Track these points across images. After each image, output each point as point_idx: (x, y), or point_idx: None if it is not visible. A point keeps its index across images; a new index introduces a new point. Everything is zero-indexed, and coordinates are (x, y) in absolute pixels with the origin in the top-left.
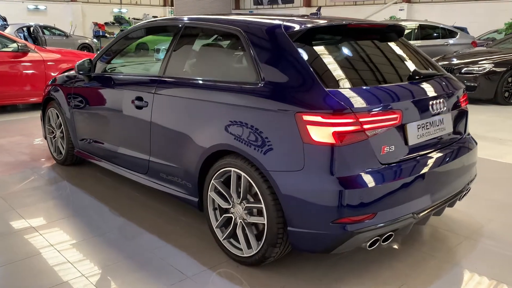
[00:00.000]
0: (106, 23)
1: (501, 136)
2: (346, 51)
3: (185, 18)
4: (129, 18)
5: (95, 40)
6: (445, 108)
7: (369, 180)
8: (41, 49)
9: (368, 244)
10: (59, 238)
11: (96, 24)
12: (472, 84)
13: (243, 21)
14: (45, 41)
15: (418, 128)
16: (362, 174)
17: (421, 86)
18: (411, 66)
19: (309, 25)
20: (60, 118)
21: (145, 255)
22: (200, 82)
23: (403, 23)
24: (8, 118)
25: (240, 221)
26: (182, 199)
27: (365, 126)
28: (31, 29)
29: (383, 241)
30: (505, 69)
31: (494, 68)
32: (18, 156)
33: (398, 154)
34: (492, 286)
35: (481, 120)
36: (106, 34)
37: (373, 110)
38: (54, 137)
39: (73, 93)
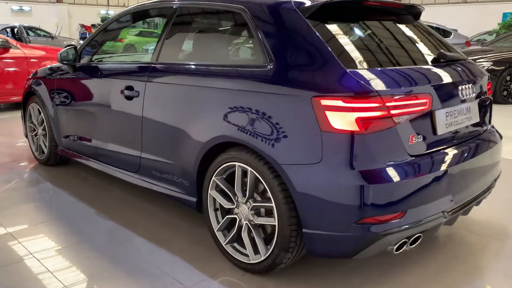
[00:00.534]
0: (93, 25)
1: (504, 134)
2: (363, 30)
3: None
4: None
5: (81, 42)
6: (472, 95)
7: (397, 173)
8: (24, 46)
9: (396, 247)
10: (39, 244)
11: (82, 25)
12: None
13: None
14: (29, 42)
15: (447, 116)
16: (389, 167)
17: (448, 70)
18: (433, 48)
19: (322, 0)
20: (42, 114)
21: (137, 262)
22: (199, 67)
23: None
24: None
25: (246, 223)
26: (178, 199)
27: (393, 112)
28: (15, 30)
29: (411, 244)
30: (503, 67)
31: (492, 67)
32: None
33: (427, 145)
34: None
35: None
36: None
37: (401, 93)
38: (36, 135)
39: (57, 85)
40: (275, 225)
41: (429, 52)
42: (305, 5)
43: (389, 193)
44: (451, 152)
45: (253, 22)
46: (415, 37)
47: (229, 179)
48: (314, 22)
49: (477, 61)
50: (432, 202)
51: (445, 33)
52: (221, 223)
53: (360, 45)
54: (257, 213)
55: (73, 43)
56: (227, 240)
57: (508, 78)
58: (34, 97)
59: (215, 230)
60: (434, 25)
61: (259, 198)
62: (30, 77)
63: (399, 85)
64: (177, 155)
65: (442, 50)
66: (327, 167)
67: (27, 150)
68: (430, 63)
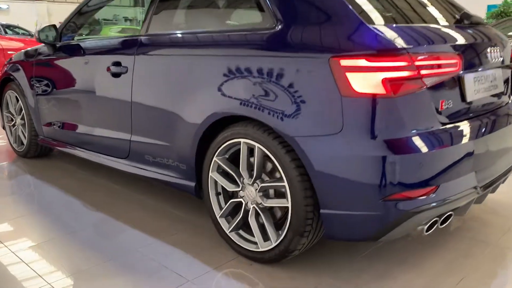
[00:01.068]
0: None
1: None
2: None
3: None
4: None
5: None
6: (498, 60)
7: (429, 143)
8: (1, 37)
9: (426, 227)
10: (18, 239)
11: None
12: None
13: None
14: None
15: (475, 82)
16: (420, 135)
17: (473, 32)
18: (455, 10)
19: None
20: (20, 101)
21: (131, 256)
22: (196, 34)
23: None
24: None
25: (253, 207)
26: (175, 185)
27: (422, 72)
28: None
29: (441, 224)
30: None
31: None
32: None
33: (457, 113)
34: None
35: None
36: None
37: (431, 51)
38: (14, 125)
39: (36, 69)
40: (287, 207)
41: (453, 12)
42: None
43: (420, 165)
44: (479, 122)
45: None
46: None
47: (232, 160)
48: None
49: None
50: (465, 176)
51: None
52: (224, 209)
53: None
54: (266, 195)
55: None
56: (232, 227)
57: None
58: (11, 84)
59: (218, 217)
60: None
61: (267, 179)
62: (6, 62)
63: (428, 43)
64: (172, 136)
65: (465, 11)
66: (348, 138)
67: (5, 144)
68: (453, 24)
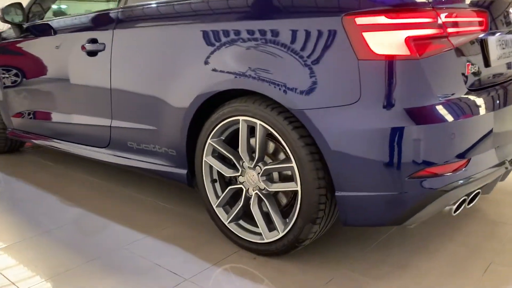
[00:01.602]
0: None
1: None
2: None
3: None
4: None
5: None
6: None
7: (458, 111)
8: None
9: (455, 207)
10: None
11: None
12: None
13: None
14: None
15: (497, 46)
16: (448, 102)
17: None
18: None
19: None
20: None
21: (117, 254)
22: (182, 0)
23: None
24: None
25: (256, 193)
26: (163, 174)
27: (449, 30)
28: None
29: (468, 203)
30: None
31: None
32: None
33: (482, 78)
34: None
35: None
36: None
37: (458, 7)
38: None
39: (0, 53)
40: (295, 192)
41: None
42: None
43: (451, 136)
44: (503, 90)
45: None
46: None
47: (229, 142)
48: None
49: None
50: (492, 149)
51: None
52: (221, 197)
53: None
54: (270, 179)
55: None
56: (231, 218)
57: None
58: None
59: (214, 207)
60: None
61: (270, 161)
62: None
63: None
64: (158, 118)
65: None
66: (367, 107)
67: None
68: None
